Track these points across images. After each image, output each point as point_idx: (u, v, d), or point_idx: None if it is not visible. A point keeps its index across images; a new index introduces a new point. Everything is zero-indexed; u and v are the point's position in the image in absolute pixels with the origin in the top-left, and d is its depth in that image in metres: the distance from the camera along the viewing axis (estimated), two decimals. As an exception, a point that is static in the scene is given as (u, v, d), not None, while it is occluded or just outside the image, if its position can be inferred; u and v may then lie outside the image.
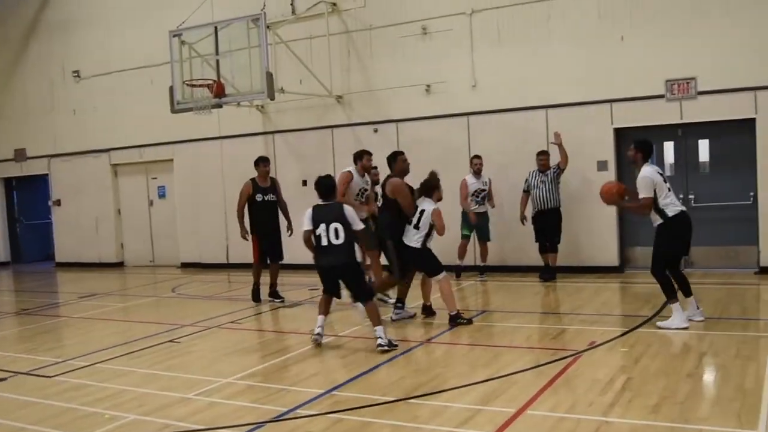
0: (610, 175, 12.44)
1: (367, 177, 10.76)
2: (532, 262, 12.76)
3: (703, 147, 12.44)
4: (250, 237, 11.51)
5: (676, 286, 8.47)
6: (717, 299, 9.99)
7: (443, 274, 9.21)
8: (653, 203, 8.26)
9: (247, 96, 13.62)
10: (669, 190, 8.37)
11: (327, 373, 7.53)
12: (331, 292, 8.59)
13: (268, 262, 11.61)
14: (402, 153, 9.83)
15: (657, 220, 8.34)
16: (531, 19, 13.07)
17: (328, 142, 15.04)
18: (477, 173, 12.65)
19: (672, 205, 8.32)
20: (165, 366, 8.01)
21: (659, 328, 8.28)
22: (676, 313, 8.29)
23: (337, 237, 8.23)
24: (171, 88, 13.88)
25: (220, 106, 13.64)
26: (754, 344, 7.62)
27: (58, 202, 19.36)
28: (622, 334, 8.15)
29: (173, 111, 14.05)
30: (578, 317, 9.44)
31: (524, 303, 10.83)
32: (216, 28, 13.25)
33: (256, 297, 11.62)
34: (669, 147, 12.63)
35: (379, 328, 8.13)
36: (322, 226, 8.26)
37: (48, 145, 19.27)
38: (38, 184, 20.20)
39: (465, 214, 12.66)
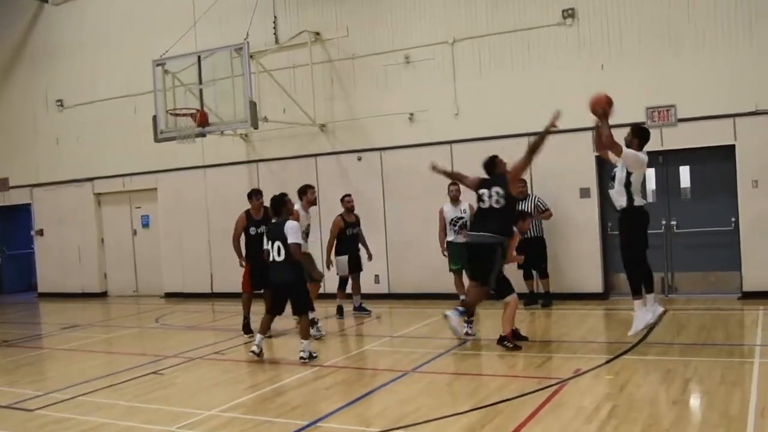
0: (593, 202, 12.53)
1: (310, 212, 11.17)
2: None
3: (684, 173, 12.56)
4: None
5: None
6: (701, 325, 10.03)
7: (513, 296, 9.35)
8: (626, 178, 8.36)
9: (230, 125, 13.61)
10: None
11: (312, 403, 7.46)
12: (275, 311, 9.38)
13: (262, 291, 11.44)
14: (497, 156, 9.65)
15: (621, 203, 8.44)
16: (511, 48, 13.21)
17: (312, 170, 15.04)
18: (454, 200, 12.01)
19: (640, 197, 8.48)
20: (148, 398, 7.93)
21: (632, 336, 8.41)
22: (640, 311, 8.50)
23: (279, 254, 8.99)
24: (154, 117, 13.85)
25: (203, 135, 13.63)
26: (738, 370, 7.64)
27: (40, 232, 19.23)
28: (607, 362, 8.16)
29: (156, 140, 14.01)
30: (563, 345, 9.45)
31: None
32: (199, 57, 13.27)
33: (247, 329, 11.26)
34: (651, 173, 12.71)
35: (305, 342, 9.02)
36: (269, 243, 9.11)
37: (30, 175, 19.19)
38: (20, 214, 20.08)
39: (450, 246, 12.02)
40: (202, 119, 13.20)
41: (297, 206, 10.70)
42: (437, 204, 12.24)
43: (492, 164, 9.50)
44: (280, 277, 9.08)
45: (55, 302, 18.06)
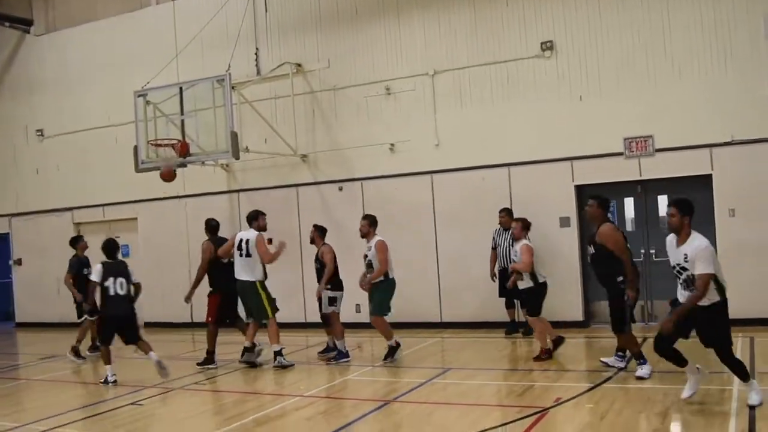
0: (573, 231, 12.63)
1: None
2: (497, 317, 12.80)
3: (663, 203, 12.68)
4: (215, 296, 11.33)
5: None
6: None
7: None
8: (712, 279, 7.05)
9: (212, 155, 13.58)
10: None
11: (293, 434, 7.43)
12: (110, 341, 10.35)
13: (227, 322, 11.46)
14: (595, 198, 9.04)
15: (713, 298, 7.12)
16: (491, 80, 13.36)
17: (294, 200, 15.08)
18: (364, 237, 11.03)
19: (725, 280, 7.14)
20: (127, 430, 7.87)
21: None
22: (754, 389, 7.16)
23: (122, 288, 10.28)
24: (135, 148, 13.82)
25: (184, 165, 13.61)
26: (718, 397, 7.68)
27: (19, 261, 19.07)
28: (588, 390, 8.19)
29: (137, 170, 13.98)
30: (544, 373, 9.46)
31: (490, 359, 10.81)
32: (181, 88, 13.25)
33: (211, 360, 11.15)
34: (629, 203, 12.88)
35: (153, 354, 10.19)
36: (111, 279, 10.24)
37: (9, 204, 19.07)
38: (-1, 244, 19.92)
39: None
40: (183, 149, 13.18)
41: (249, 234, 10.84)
42: (417, 233, 12.30)
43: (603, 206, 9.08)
44: (122, 309, 10.29)
45: (33, 332, 17.86)
